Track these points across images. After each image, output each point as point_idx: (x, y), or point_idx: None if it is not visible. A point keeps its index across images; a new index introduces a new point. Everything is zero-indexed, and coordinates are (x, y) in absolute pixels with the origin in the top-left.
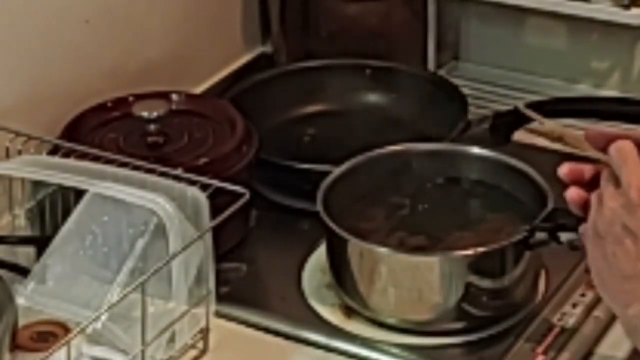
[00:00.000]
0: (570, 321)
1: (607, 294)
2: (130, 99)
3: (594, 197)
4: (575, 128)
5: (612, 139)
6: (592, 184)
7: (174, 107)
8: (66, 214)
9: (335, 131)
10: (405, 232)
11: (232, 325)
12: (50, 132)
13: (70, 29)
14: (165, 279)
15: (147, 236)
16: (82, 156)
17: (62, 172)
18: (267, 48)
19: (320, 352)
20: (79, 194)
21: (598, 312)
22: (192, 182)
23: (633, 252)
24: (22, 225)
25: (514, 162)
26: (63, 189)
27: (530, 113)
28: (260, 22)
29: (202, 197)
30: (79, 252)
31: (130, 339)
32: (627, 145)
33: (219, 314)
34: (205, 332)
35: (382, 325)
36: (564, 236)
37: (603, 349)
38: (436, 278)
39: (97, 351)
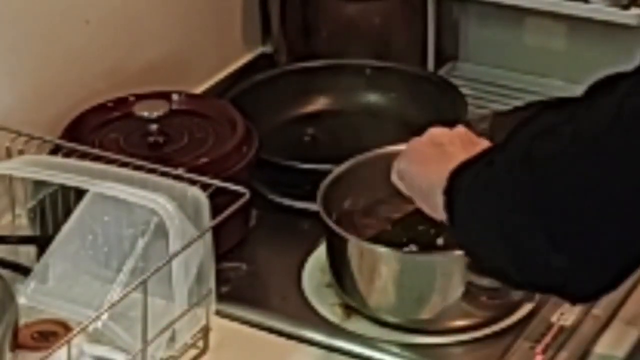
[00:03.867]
0: (569, 320)
1: (428, 174)
2: (131, 99)
3: None
4: None
5: None
6: None
7: (174, 107)
8: (67, 213)
9: (335, 131)
10: (405, 232)
11: (232, 325)
12: (51, 132)
13: (71, 30)
14: (166, 278)
15: (147, 236)
16: (83, 156)
17: (63, 172)
18: (267, 48)
19: (320, 352)
20: (80, 193)
21: (597, 311)
22: (193, 182)
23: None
24: (23, 225)
25: None
26: (64, 189)
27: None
28: (260, 22)
29: (202, 197)
30: (80, 251)
31: (131, 338)
32: None
33: (219, 314)
34: (205, 332)
35: (382, 324)
36: None
37: (601, 347)
38: (436, 277)
39: (98, 350)
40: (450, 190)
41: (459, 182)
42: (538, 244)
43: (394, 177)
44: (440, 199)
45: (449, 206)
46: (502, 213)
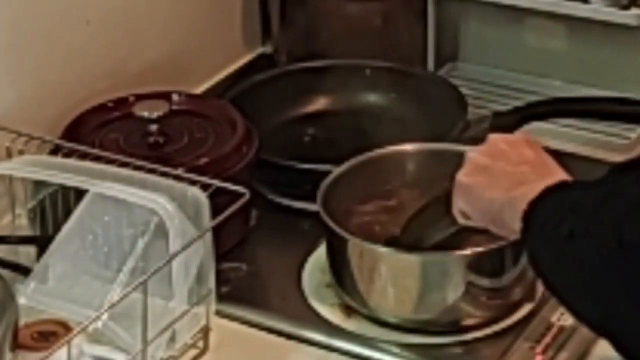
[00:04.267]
0: (569, 320)
1: (490, 206)
2: (131, 99)
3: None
4: (575, 128)
5: None
6: None
7: (174, 107)
8: (67, 213)
9: (335, 131)
10: (405, 232)
11: (232, 325)
12: (51, 132)
13: (71, 30)
14: (166, 278)
15: (147, 236)
16: (83, 156)
17: (63, 172)
18: (267, 48)
19: (320, 352)
20: (80, 193)
21: None
22: (193, 182)
23: (514, 158)
24: (23, 225)
25: None
26: (64, 189)
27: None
28: (260, 22)
29: (202, 197)
30: (80, 251)
31: (131, 338)
32: None
33: (219, 314)
34: (205, 332)
35: (382, 324)
36: None
37: (601, 348)
38: (436, 277)
39: (98, 350)
40: (526, 228)
41: (536, 222)
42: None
43: (459, 218)
44: (511, 221)
45: (524, 236)
46: (598, 293)
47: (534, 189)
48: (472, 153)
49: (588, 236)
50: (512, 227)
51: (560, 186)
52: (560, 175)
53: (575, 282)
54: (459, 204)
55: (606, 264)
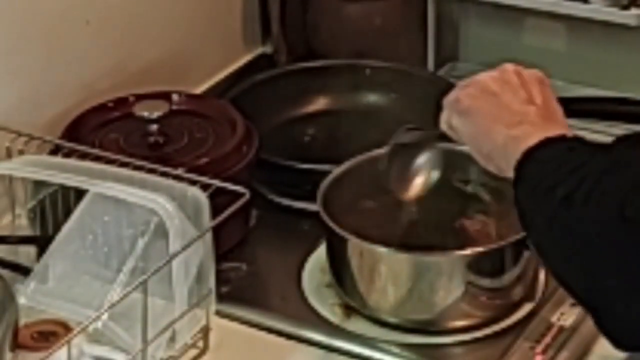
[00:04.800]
0: (569, 320)
1: (488, 135)
2: (131, 99)
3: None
4: (575, 128)
5: None
6: None
7: (174, 107)
8: (67, 213)
9: (335, 131)
10: (405, 232)
11: (232, 325)
12: (51, 132)
13: (71, 30)
14: (166, 278)
15: (147, 236)
16: (83, 156)
17: (63, 172)
18: (267, 48)
19: (320, 352)
20: (80, 193)
21: None
22: (193, 182)
23: (515, 98)
24: (23, 225)
25: None
26: (64, 189)
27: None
28: (260, 22)
29: (202, 197)
30: (80, 251)
31: (131, 338)
32: None
33: (219, 314)
34: (205, 332)
35: (382, 324)
36: None
37: (601, 347)
38: (436, 277)
39: (98, 350)
40: (519, 179)
41: (530, 176)
42: (626, 303)
43: (444, 126)
44: (504, 164)
45: (516, 188)
46: (589, 264)
47: (533, 134)
48: (482, 75)
49: (587, 204)
50: (500, 166)
51: (561, 140)
52: (562, 124)
53: (566, 249)
54: (452, 119)
55: (603, 236)
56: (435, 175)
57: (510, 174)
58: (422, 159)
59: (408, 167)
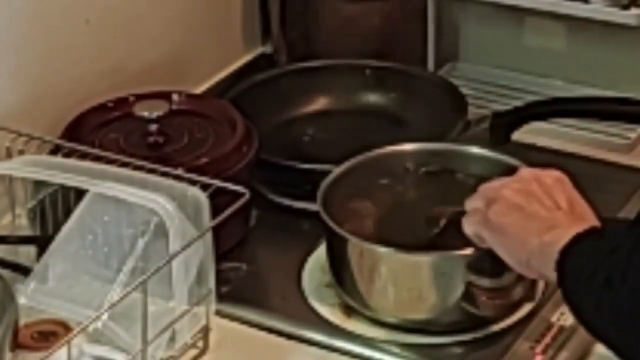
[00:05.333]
0: (569, 320)
1: (519, 246)
2: (131, 99)
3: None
4: (575, 128)
5: None
6: None
7: (174, 107)
8: (67, 213)
9: (335, 131)
10: (405, 232)
11: (232, 325)
12: (51, 132)
13: (70, 30)
14: (166, 278)
15: (147, 236)
16: (83, 156)
17: (63, 172)
18: (267, 48)
19: (320, 352)
20: (80, 193)
21: None
22: (193, 182)
23: (542, 207)
24: (23, 225)
25: (513, 161)
26: (64, 189)
27: None
28: (260, 22)
29: (202, 197)
30: (80, 251)
31: (131, 338)
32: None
33: (219, 314)
34: (205, 332)
35: (382, 324)
36: None
37: (601, 348)
38: (436, 277)
39: (98, 350)
40: (562, 278)
41: (571, 272)
42: None
43: (471, 236)
44: (545, 270)
45: (562, 285)
46: (635, 329)
47: (564, 235)
48: (505, 190)
49: (624, 281)
50: (541, 272)
51: (591, 232)
52: (590, 220)
53: (619, 329)
54: (482, 233)
55: None
56: None
57: (552, 277)
58: None
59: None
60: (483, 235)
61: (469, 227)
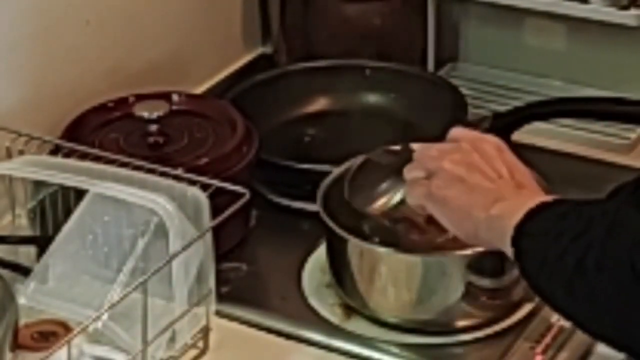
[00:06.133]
0: None
1: (466, 220)
2: (131, 99)
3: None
4: (574, 128)
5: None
6: None
7: (174, 107)
8: (67, 213)
9: (335, 131)
10: (406, 232)
11: (232, 325)
12: (51, 133)
13: (71, 30)
14: (166, 278)
15: (147, 236)
16: (83, 156)
17: (63, 172)
18: (267, 48)
19: (320, 352)
20: (80, 193)
21: None
22: (193, 182)
23: (484, 178)
24: (23, 225)
25: None
26: (64, 189)
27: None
28: (260, 22)
29: (202, 197)
30: (80, 251)
31: (131, 339)
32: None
33: (219, 314)
34: (205, 332)
35: (382, 324)
36: None
37: (601, 348)
38: (436, 277)
39: (98, 350)
40: (520, 250)
41: (532, 250)
42: None
43: (416, 207)
44: (497, 241)
45: (521, 262)
46: (614, 320)
47: (513, 209)
48: (445, 162)
49: (601, 270)
50: (491, 244)
51: (545, 207)
52: (531, 186)
53: (591, 310)
54: (427, 206)
55: (623, 295)
56: (397, 199)
57: (506, 250)
58: (388, 183)
59: (373, 186)
60: (427, 207)
61: (412, 199)
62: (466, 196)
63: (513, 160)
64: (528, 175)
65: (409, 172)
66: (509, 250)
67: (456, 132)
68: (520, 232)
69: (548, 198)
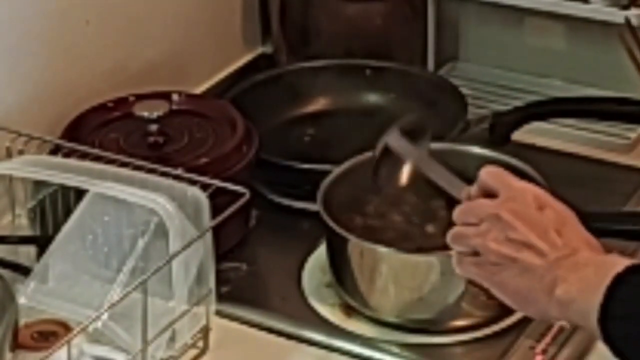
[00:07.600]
0: None
1: (531, 303)
2: (131, 99)
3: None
4: (575, 128)
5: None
6: None
7: (174, 107)
8: (67, 213)
9: (335, 131)
10: (406, 231)
11: (232, 325)
12: (51, 132)
13: (71, 30)
14: (166, 278)
15: (147, 236)
16: (83, 156)
17: (63, 172)
18: (267, 48)
19: (320, 352)
20: (80, 193)
21: None
22: (193, 182)
23: (535, 255)
24: (23, 225)
25: (513, 161)
26: (64, 189)
27: (396, 147)
28: (260, 22)
29: (202, 197)
30: (80, 251)
31: (131, 338)
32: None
33: (219, 314)
34: (205, 332)
35: (382, 324)
36: None
37: (602, 347)
38: (436, 277)
39: (98, 350)
40: (609, 335)
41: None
42: None
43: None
44: (577, 318)
45: (614, 347)
46: None
47: (580, 286)
48: (492, 244)
49: None
50: (572, 323)
51: (620, 280)
52: (587, 247)
53: None
54: (482, 283)
55: None
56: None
57: (590, 327)
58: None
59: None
60: (484, 286)
61: (463, 273)
62: (520, 279)
63: (555, 212)
64: (575, 224)
65: (453, 242)
66: (594, 330)
67: (488, 179)
68: (606, 315)
69: (618, 265)
